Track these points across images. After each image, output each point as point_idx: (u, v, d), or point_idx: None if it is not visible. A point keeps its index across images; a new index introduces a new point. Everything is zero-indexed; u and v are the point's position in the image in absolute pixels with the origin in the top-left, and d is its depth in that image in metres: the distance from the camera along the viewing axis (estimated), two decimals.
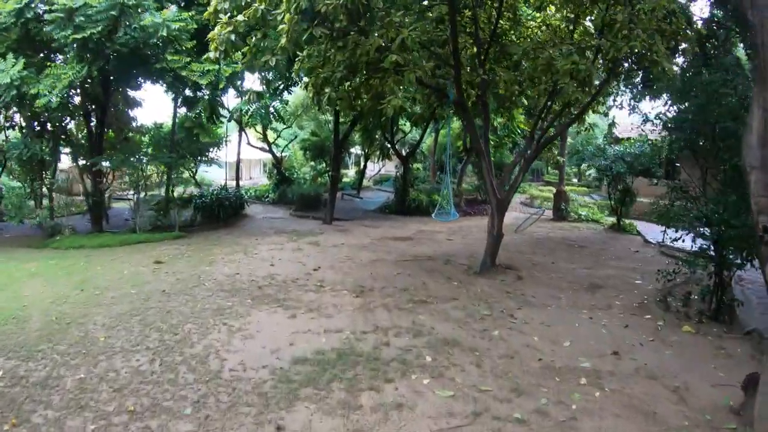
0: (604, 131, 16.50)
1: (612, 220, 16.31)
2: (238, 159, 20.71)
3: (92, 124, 14.66)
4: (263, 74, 14.70)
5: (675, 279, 7.63)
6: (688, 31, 8.18)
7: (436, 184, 22.46)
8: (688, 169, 8.64)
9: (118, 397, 4.39)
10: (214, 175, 23.14)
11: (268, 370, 4.80)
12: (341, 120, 16.14)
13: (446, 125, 23.52)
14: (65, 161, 17.08)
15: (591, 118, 12.74)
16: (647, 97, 12.95)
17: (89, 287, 8.29)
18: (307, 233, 13.48)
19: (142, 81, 14.55)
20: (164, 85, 14.17)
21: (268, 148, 22.13)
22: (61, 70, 11.83)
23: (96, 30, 10.72)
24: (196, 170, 20.09)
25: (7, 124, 15.08)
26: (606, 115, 10.75)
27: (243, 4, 6.52)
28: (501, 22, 9.34)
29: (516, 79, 8.77)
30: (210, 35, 6.38)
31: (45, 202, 15.33)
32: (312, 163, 25.04)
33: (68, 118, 14.89)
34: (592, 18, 9.27)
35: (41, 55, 13.02)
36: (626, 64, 9.57)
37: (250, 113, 16.04)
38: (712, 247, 6.67)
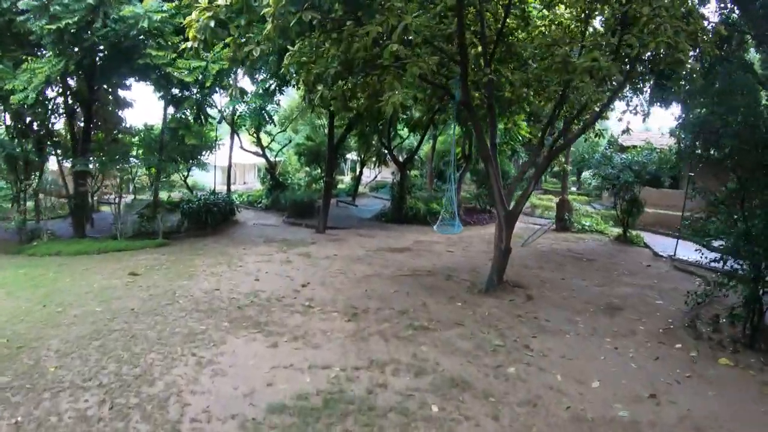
0: (609, 139, 15.85)
1: (617, 231, 15.64)
2: (230, 163, 19.88)
3: (79, 123, 13.92)
4: (253, 72, 13.87)
5: (706, 302, 6.93)
6: (707, 31, 7.56)
7: (433, 192, 21.72)
8: (701, 179, 7.96)
9: None
10: (209, 179, 22.28)
11: (237, 423, 3.94)
12: (336, 123, 15.39)
13: (445, 131, 23.07)
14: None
15: (599, 123, 12.11)
16: (658, 103, 12.34)
17: (53, 303, 7.54)
18: (298, 243, 12.65)
19: (128, 79, 13.76)
20: (149, 83, 13.37)
21: (261, 153, 21.33)
22: (37, 64, 11.08)
23: (72, 20, 9.94)
24: (188, 174, 19.27)
25: None
26: (619, 120, 9.99)
27: None
28: (508, 20, 8.67)
29: (526, 80, 8.04)
30: (186, 20, 5.57)
31: (32, 204, 14.47)
32: (307, 168, 24.28)
33: (57, 117, 14.21)
34: (603, 17, 8.67)
35: (25, 50, 12.25)
36: (641, 67, 8.96)
37: (238, 114, 15.26)
38: (750, 268, 5.91)
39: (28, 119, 13.67)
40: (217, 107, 16.95)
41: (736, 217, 5.91)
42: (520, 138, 17.86)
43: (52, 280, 9.26)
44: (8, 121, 14.00)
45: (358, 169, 25.62)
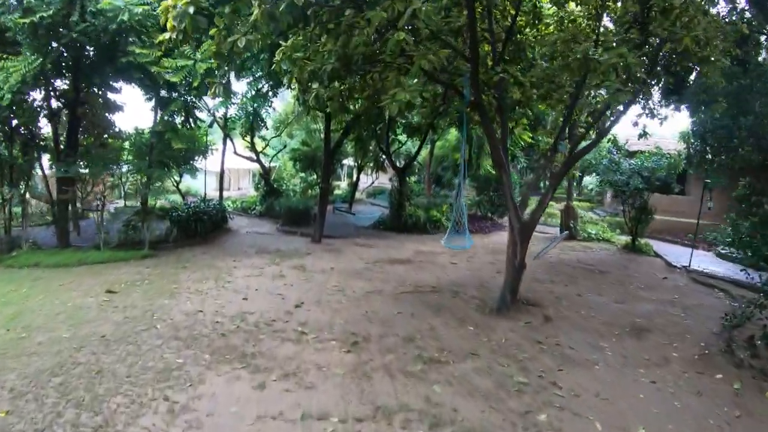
0: (616, 143, 15.24)
1: (625, 239, 15.00)
2: (222, 169, 19.09)
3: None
4: (242, 70, 13.13)
5: (744, 324, 6.26)
6: (726, 30, 6.93)
7: (432, 198, 21.00)
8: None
9: None
10: (203, 185, 21.46)
11: None
12: (333, 128, 14.66)
13: (443, 136, 22.42)
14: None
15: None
16: (670, 106, 11.73)
17: (18, 326, 6.76)
18: (292, 254, 11.87)
19: (113, 79, 12.97)
20: (134, 84, 12.62)
21: (255, 158, 20.57)
22: (12, 63, 10.32)
23: (48, 13, 9.18)
24: (180, 179, 18.46)
25: None
26: (635, 124, 9.32)
27: None
28: (518, 18, 8.03)
29: (543, 79, 7.38)
30: (162, 6, 4.83)
31: (19, 209, 13.63)
32: (302, 174, 23.50)
33: (44, 120, 13.38)
34: (616, 15, 8.05)
35: (5, 48, 11.47)
36: (659, 67, 8.34)
37: (228, 116, 14.49)
38: None
39: (14, 122, 12.90)
40: (208, 110, 16.21)
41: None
42: (522, 143, 17.27)
43: (23, 296, 8.48)
44: None
45: (355, 175, 24.89)
